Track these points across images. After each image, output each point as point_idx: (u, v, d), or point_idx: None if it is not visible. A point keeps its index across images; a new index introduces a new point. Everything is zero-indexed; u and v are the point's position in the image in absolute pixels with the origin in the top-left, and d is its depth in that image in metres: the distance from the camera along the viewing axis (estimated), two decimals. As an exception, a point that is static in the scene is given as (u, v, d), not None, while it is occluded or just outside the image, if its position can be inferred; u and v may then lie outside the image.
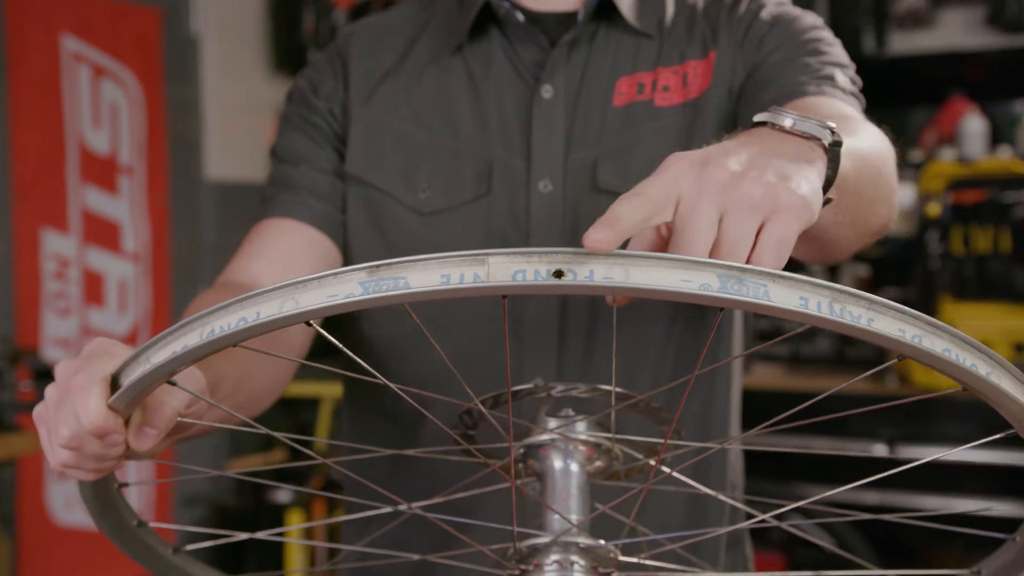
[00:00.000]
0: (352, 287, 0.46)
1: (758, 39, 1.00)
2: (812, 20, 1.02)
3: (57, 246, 3.19)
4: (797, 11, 1.03)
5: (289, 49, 3.85)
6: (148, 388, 0.55)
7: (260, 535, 0.74)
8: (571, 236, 0.97)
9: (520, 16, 1.03)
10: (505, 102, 1.02)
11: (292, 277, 0.47)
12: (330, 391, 3.35)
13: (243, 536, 0.70)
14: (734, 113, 1.00)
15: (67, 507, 3.16)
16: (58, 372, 0.63)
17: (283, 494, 3.20)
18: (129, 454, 0.62)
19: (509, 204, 0.99)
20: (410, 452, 0.85)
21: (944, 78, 3.49)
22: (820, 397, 0.56)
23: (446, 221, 1.00)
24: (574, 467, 0.65)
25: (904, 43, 3.44)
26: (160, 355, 0.51)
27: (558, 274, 0.45)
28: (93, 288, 3.29)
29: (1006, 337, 2.79)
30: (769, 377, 3.11)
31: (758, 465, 2.69)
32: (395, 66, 1.07)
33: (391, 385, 0.54)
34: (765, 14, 1.02)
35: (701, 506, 1.04)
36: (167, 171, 3.51)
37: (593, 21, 1.03)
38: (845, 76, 0.95)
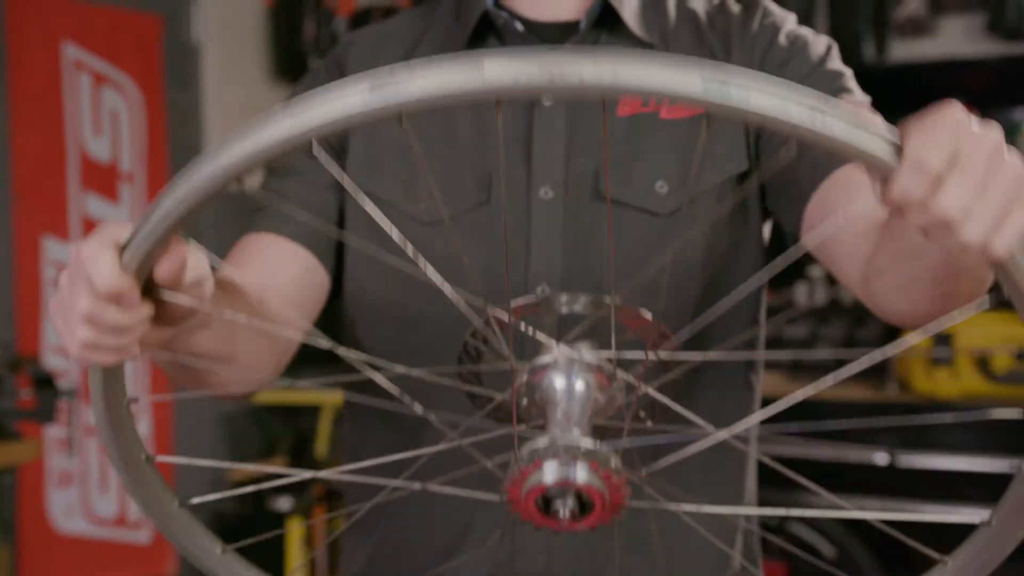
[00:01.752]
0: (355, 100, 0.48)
1: (777, 64, 1.00)
2: (825, 43, 1.02)
3: (58, 253, 3.19)
4: (810, 34, 1.03)
5: (290, 56, 3.85)
6: (159, 239, 0.55)
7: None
8: (572, 243, 0.97)
9: (519, 26, 1.03)
10: (504, 110, 1.01)
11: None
12: (331, 399, 3.35)
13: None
14: (747, 132, 0.99)
15: (67, 514, 3.16)
16: (68, 261, 0.63)
17: (283, 501, 3.19)
18: (146, 338, 0.63)
19: (510, 211, 0.98)
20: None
21: (944, 86, 3.49)
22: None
23: (447, 230, 0.99)
24: (579, 385, 0.64)
25: (904, 51, 3.44)
26: (167, 201, 0.51)
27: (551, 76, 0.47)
28: (94, 295, 3.29)
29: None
30: (770, 383, 3.09)
31: (759, 470, 2.69)
32: (394, 74, 1.06)
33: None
34: (782, 39, 1.01)
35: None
36: (168, 178, 3.51)
37: (594, 30, 1.03)
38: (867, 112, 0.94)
